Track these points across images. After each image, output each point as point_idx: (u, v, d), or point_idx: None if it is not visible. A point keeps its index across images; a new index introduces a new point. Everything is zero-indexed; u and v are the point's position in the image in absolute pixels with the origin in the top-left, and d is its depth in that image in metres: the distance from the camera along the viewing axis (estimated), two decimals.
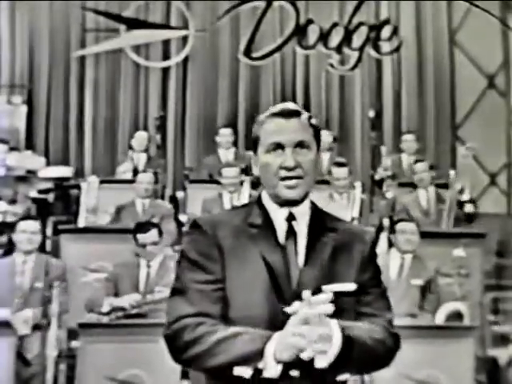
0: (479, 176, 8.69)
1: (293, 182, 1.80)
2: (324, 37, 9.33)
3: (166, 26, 9.46)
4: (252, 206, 1.88)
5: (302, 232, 1.83)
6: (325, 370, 1.62)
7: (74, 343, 4.15)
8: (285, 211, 1.84)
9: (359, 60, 9.38)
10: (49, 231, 6.16)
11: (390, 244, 5.17)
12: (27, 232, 4.89)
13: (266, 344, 1.64)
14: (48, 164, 8.43)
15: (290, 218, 1.83)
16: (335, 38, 9.34)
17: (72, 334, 4.43)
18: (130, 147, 8.24)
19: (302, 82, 9.54)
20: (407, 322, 4.47)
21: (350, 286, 1.67)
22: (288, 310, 1.64)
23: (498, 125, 8.85)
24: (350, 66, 9.43)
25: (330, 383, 1.73)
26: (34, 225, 4.97)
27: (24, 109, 9.16)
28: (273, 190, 1.83)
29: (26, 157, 8.09)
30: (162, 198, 7.42)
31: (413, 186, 6.82)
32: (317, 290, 1.65)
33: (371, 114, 8.11)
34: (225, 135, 8.20)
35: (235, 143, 8.45)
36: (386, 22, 9.42)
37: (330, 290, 1.64)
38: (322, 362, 1.60)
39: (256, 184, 6.22)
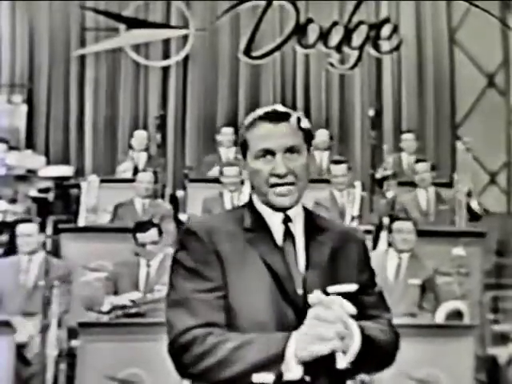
0: (479, 175, 8.68)
1: (284, 189, 1.74)
2: (324, 36, 9.32)
3: (165, 25, 9.45)
4: (243, 211, 1.82)
5: (299, 233, 1.79)
6: (343, 370, 1.57)
7: (74, 342, 4.16)
8: (280, 214, 1.78)
9: (359, 59, 9.37)
10: (49, 230, 6.15)
11: (390, 243, 5.16)
12: (23, 235, 4.92)
13: (285, 345, 1.56)
14: (48, 163, 8.41)
15: (286, 219, 1.79)
16: (335, 37, 9.32)
17: (72, 333, 4.44)
18: (130, 146, 8.24)
19: (302, 81, 9.54)
20: (407, 321, 4.47)
21: (352, 287, 1.65)
22: (312, 297, 1.58)
23: (497, 124, 8.86)
24: (350, 65, 9.41)
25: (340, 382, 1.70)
26: (28, 227, 4.99)
27: (24, 108, 9.16)
28: (264, 197, 1.77)
29: (26, 156, 8.08)
30: (162, 197, 7.39)
31: (413, 185, 6.80)
32: (321, 292, 1.61)
33: (371, 112, 8.08)
34: (226, 134, 8.19)
35: (236, 142, 8.45)
36: (386, 20, 9.41)
37: (333, 291, 1.61)
38: (342, 363, 1.56)
39: None
